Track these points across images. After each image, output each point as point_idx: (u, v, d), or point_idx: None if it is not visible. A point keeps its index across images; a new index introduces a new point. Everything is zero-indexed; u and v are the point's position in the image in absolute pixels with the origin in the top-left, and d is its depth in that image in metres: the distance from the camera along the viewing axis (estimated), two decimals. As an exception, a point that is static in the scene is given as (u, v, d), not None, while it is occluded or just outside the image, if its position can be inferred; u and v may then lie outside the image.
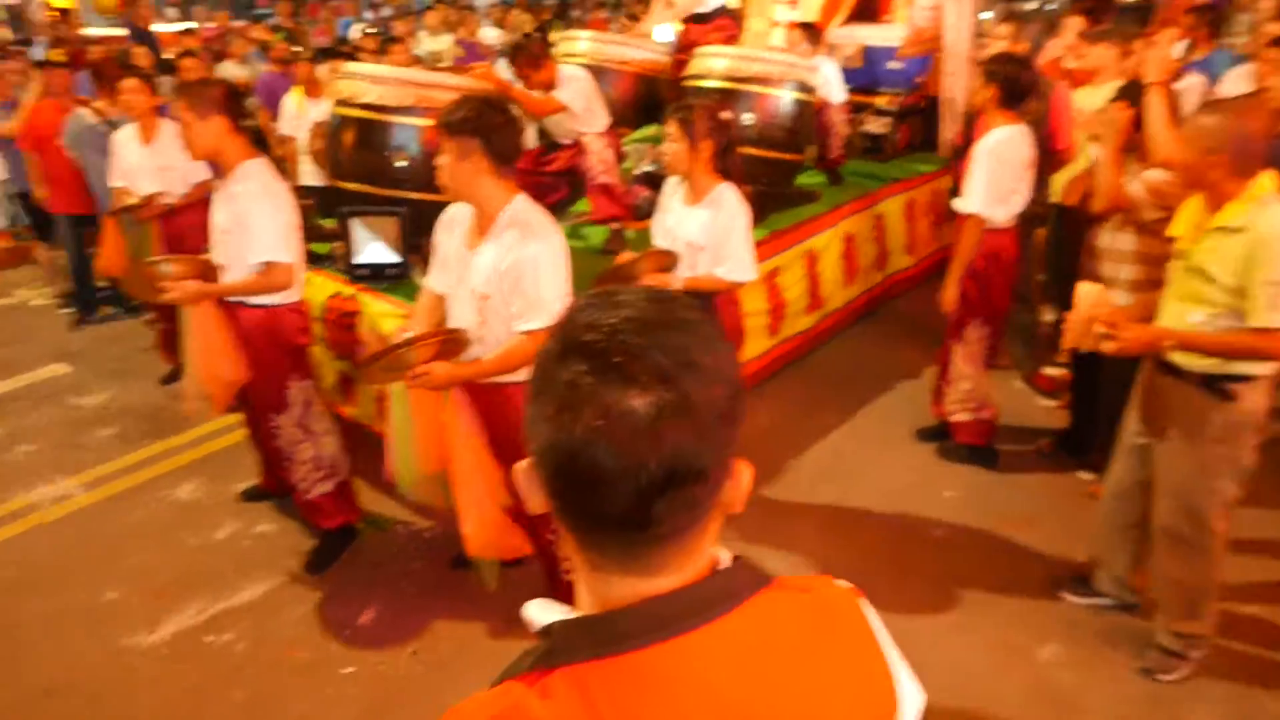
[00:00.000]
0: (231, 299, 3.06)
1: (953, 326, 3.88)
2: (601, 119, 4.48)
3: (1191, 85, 4.73)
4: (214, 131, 2.87)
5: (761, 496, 3.80)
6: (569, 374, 0.70)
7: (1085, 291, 2.80)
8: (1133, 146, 3.37)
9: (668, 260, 3.14)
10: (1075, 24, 4.57)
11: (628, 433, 0.68)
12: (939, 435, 4.20)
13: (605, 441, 0.68)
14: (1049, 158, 4.18)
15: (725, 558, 0.80)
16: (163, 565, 3.45)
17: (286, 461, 3.29)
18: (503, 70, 4.83)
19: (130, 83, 4.59)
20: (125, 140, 4.59)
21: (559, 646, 0.74)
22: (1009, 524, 3.61)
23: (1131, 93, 3.39)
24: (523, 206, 2.51)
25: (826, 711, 0.79)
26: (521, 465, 0.79)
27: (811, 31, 5.17)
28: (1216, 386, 2.53)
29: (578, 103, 4.30)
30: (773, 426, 4.40)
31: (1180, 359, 2.59)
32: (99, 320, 5.98)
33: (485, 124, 2.39)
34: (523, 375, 2.56)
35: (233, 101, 2.96)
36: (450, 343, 2.55)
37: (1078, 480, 3.84)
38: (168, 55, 7.95)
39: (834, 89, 5.23)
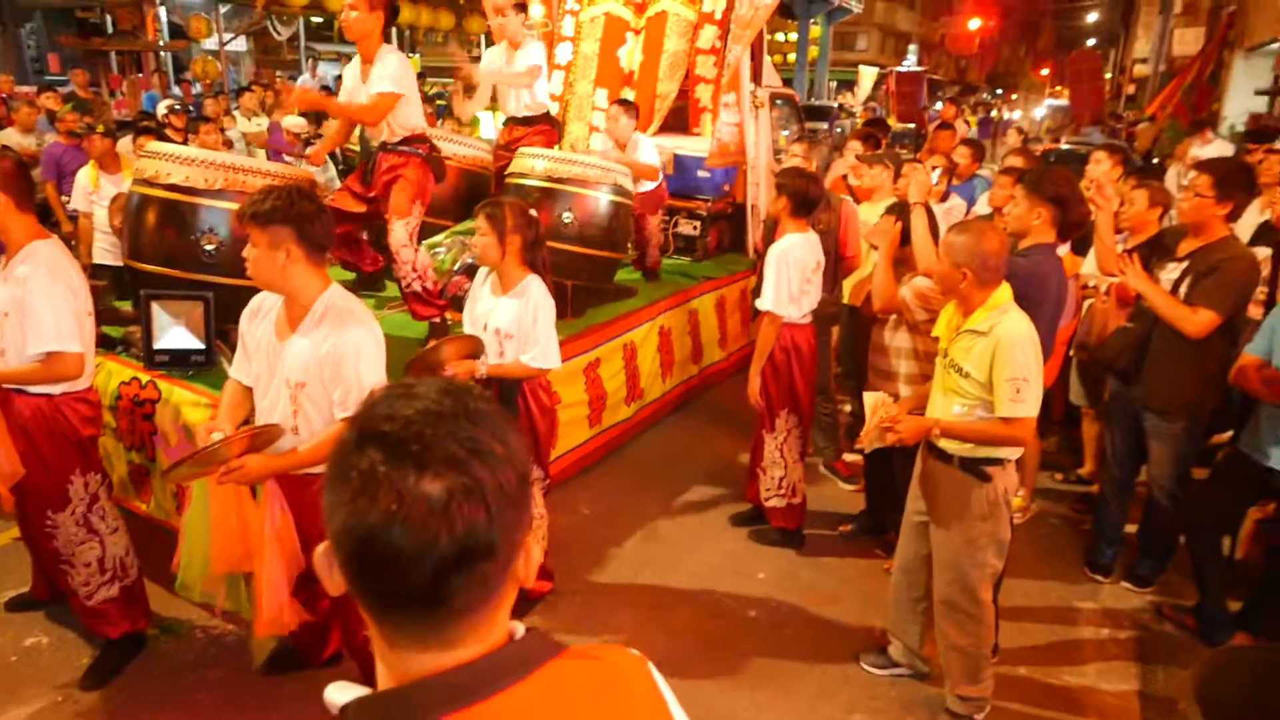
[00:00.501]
0: (9, 386, 2.80)
1: (763, 417, 4.14)
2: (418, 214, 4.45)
3: (955, 206, 5.47)
4: (-1, 211, 2.67)
5: (584, 582, 3.84)
6: (366, 462, 0.75)
7: (871, 400, 3.15)
8: (902, 258, 3.85)
9: (473, 346, 3.21)
10: (855, 147, 5.18)
11: (422, 515, 0.73)
12: (752, 520, 4.44)
13: (400, 524, 0.73)
14: (840, 263, 4.66)
15: (519, 629, 0.86)
16: (-97, 688, 2.99)
17: (64, 565, 2.98)
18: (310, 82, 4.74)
19: None
20: None
21: None
22: (815, 602, 3.84)
23: (900, 210, 3.89)
24: (339, 295, 2.51)
25: None
26: (320, 549, 0.82)
27: (631, 108, 5.45)
28: (974, 469, 2.89)
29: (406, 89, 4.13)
30: (594, 514, 4.48)
31: (945, 445, 2.94)
32: None
33: (297, 213, 2.38)
34: (321, 465, 2.54)
35: (20, 176, 2.76)
36: (262, 436, 2.47)
37: (874, 556, 4.17)
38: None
39: (653, 157, 5.53)
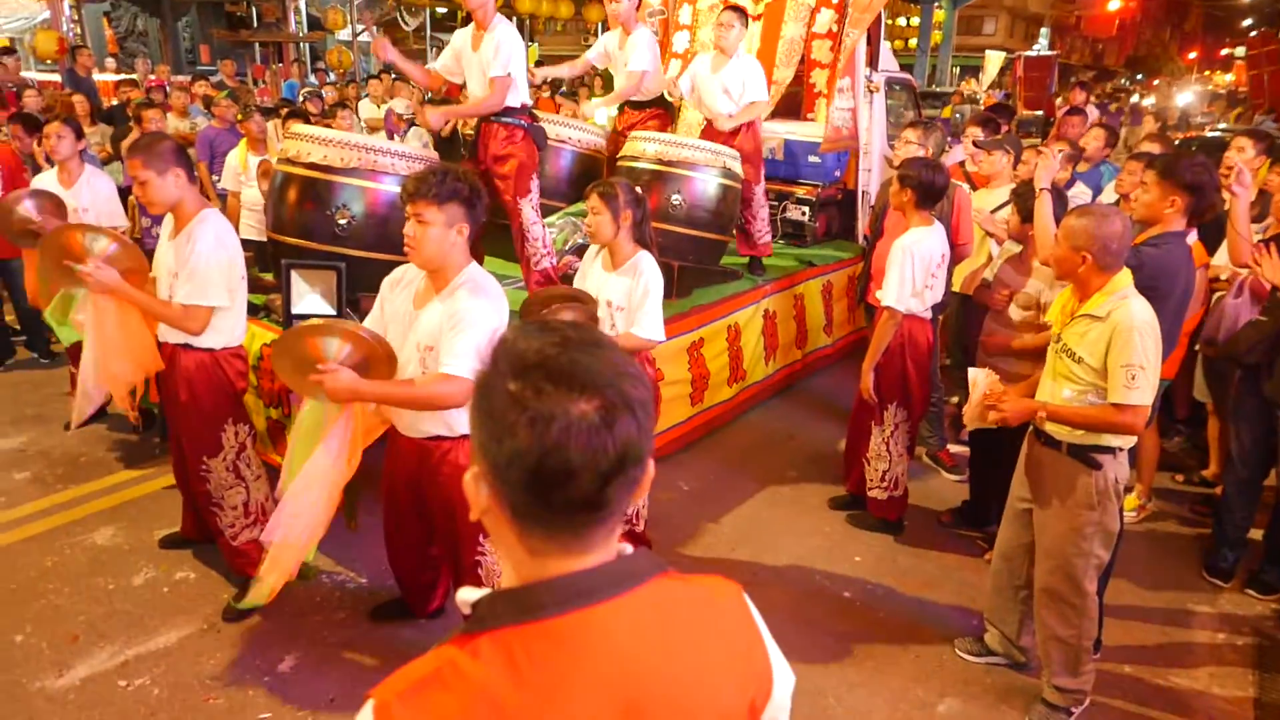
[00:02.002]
0: (177, 340, 3.12)
1: (872, 410, 4.10)
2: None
3: (1079, 193, 5.28)
4: (172, 184, 2.98)
5: (679, 556, 3.95)
6: (529, 387, 0.84)
7: (976, 377, 3.12)
8: (1021, 237, 3.78)
9: (583, 297, 3.35)
10: (974, 133, 5.07)
11: (590, 431, 0.83)
12: (850, 505, 4.44)
13: (575, 439, 0.82)
14: (951, 251, 4.58)
15: (627, 548, 0.95)
16: (76, 609, 3.38)
17: (214, 506, 3.31)
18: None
19: (54, 127, 4.64)
20: (46, 183, 4.60)
21: (485, 614, 0.88)
22: (912, 587, 3.83)
23: (1024, 194, 3.80)
24: (479, 271, 2.66)
25: (712, 678, 0.94)
26: (469, 474, 0.91)
27: (743, 17, 5.30)
28: (1084, 456, 2.83)
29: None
30: (693, 491, 4.58)
31: (1053, 430, 2.89)
32: (15, 366, 5.85)
33: (470, 193, 2.52)
34: (440, 428, 2.71)
35: (184, 153, 3.08)
36: (377, 358, 2.61)
37: (976, 548, 4.12)
38: (107, 104, 7.94)
39: (757, 80, 5.28)
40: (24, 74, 10.01)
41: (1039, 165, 3.74)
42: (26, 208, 3.91)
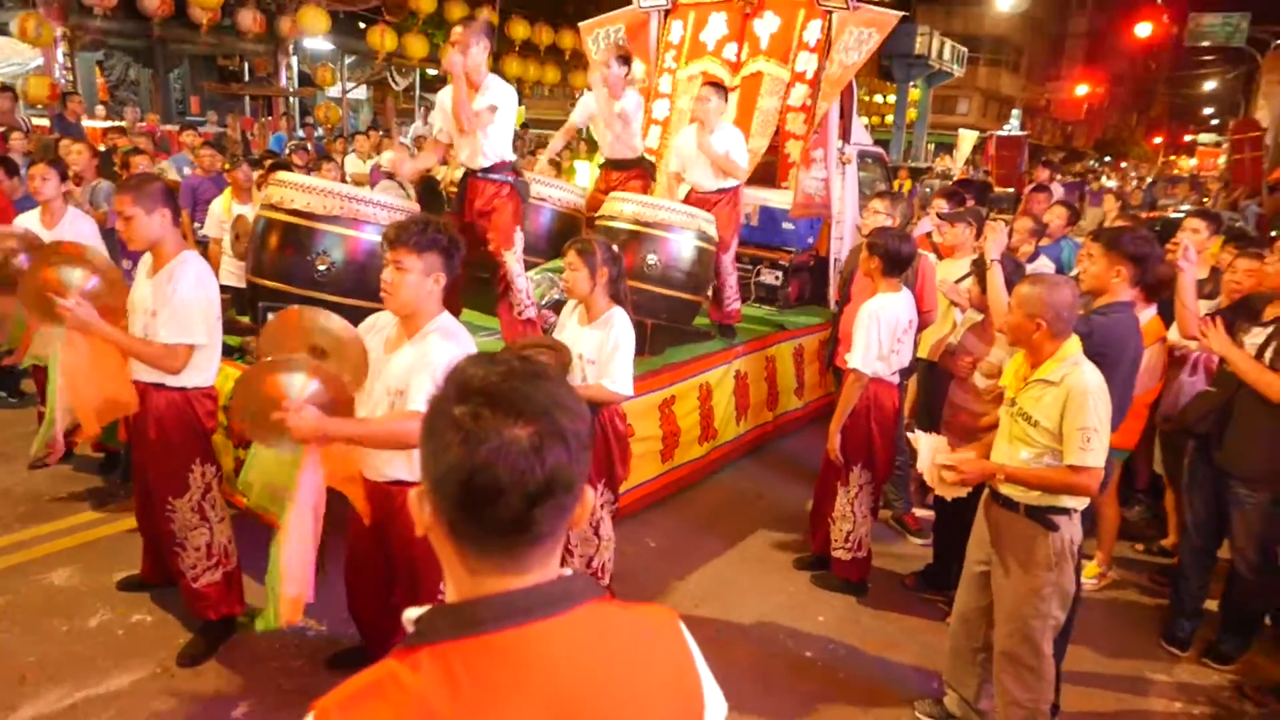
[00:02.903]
0: (149, 379, 3.14)
1: (838, 471, 4.16)
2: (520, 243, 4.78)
3: (1042, 265, 5.46)
4: (157, 224, 3.04)
5: (645, 611, 3.93)
6: (468, 410, 0.90)
7: (927, 442, 3.20)
8: (980, 307, 3.90)
9: (558, 345, 3.42)
10: (939, 205, 5.26)
11: (519, 454, 0.89)
12: (815, 565, 4.47)
13: (503, 461, 0.88)
14: (916, 318, 4.70)
15: (567, 571, 1.00)
16: (28, 649, 3.32)
17: (177, 547, 3.29)
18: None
19: (39, 168, 4.71)
20: (28, 223, 4.65)
21: (426, 629, 0.92)
22: (874, 647, 3.85)
23: (978, 265, 3.95)
24: (449, 319, 2.72)
25: (645, 701, 0.97)
26: (413, 492, 0.98)
27: (721, 91, 5.47)
28: (1041, 517, 2.91)
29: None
30: (660, 548, 4.59)
31: (1011, 492, 2.97)
32: (-18, 404, 5.81)
33: (448, 243, 2.60)
34: (402, 472, 2.72)
35: (173, 196, 3.16)
36: (341, 400, 2.62)
37: (938, 610, 4.14)
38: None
39: (737, 147, 5.42)
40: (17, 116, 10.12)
41: (988, 238, 3.90)
42: (20, 260, 3.92)
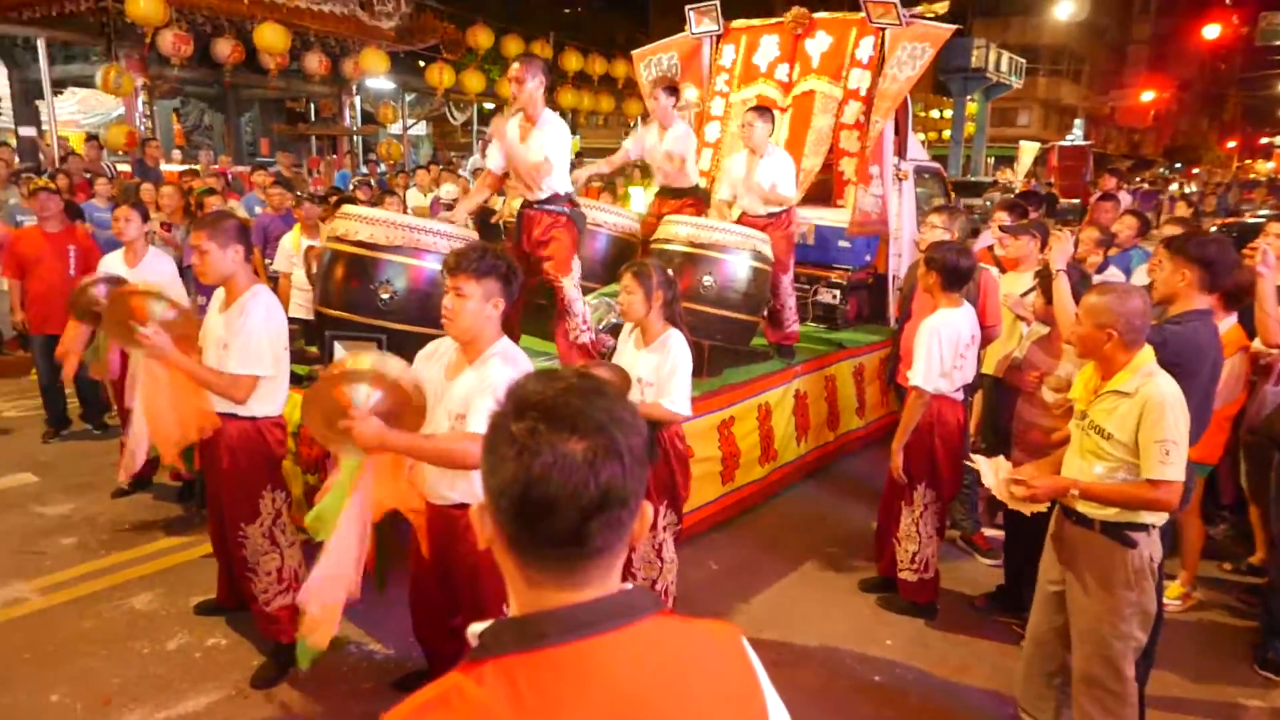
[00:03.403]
0: (222, 409, 3.26)
1: (903, 490, 4.08)
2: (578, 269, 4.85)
3: (1111, 275, 5.31)
4: (231, 260, 3.18)
5: (708, 634, 3.90)
6: (526, 426, 0.92)
7: (984, 464, 3.12)
8: (1045, 318, 3.81)
9: (616, 367, 3.45)
10: (1000, 218, 5.16)
11: (574, 468, 0.90)
12: (881, 587, 4.38)
13: (557, 475, 0.90)
14: (979, 333, 4.60)
15: (628, 585, 1.00)
16: (111, 671, 3.44)
17: (249, 572, 3.39)
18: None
19: (122, 210, 4.96)
20: (113, 262, 4.90)
21: (490, 643, 0.93)
22: (944, 672, 3.74)
23: (1043, 276, 3.85)
24: (509, 344, 2.77)
25: (707, 714, 0.96)
26: (475, 506, 1.00)
27: (766, 114, 5.45)
28: (1118, 534, 2.80)
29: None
30: (722, 570, 4.56)
31: (1086, 508, 2.86)
32: (70, 436, 6.09)
33: (507, 270, 2.65)
34: (464, 496, 2.76)
35: (247, 233, 3.30)
36: (407, 409, 2.67)
37: (1011, 633, 4.01)
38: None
39: (786, 174, 5.40)
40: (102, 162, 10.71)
41: (1053, 248, 3.81)
42: (97, 292, 4.14)
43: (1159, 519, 2.81)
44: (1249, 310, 3.98)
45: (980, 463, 3.14)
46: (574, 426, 0.92)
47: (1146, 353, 2.79)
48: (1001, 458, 3.14)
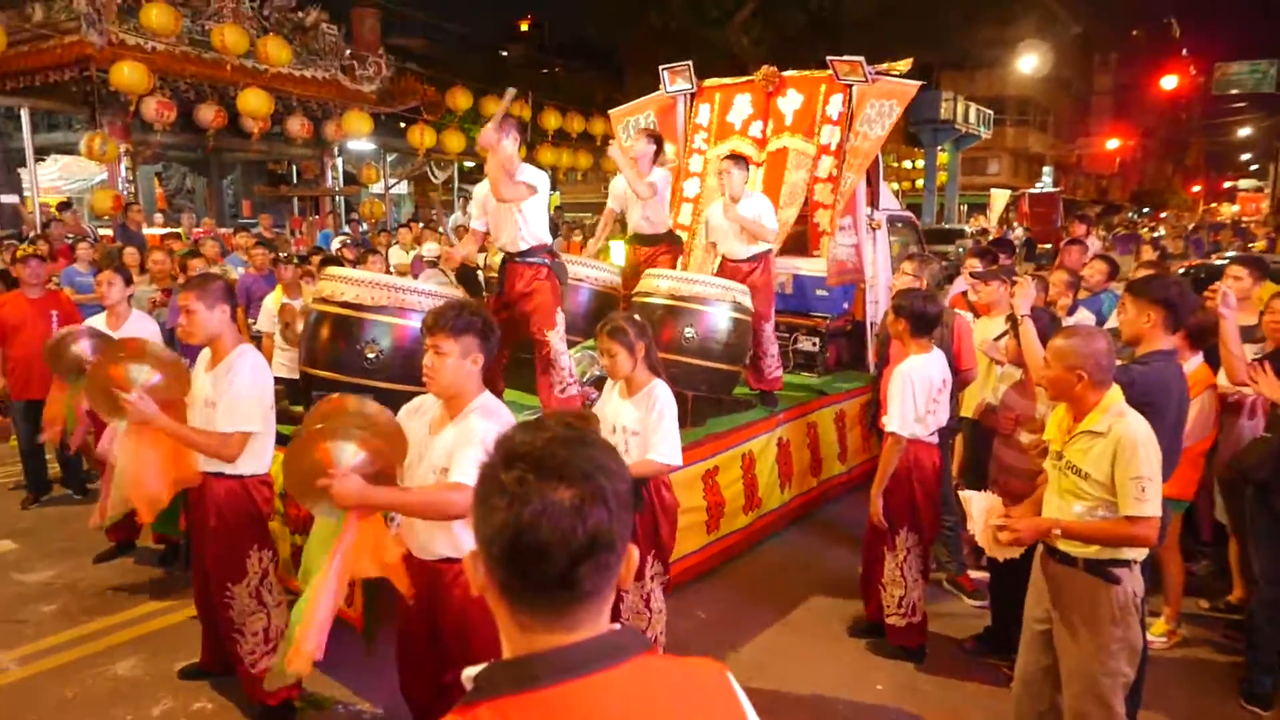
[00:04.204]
0: (208, 468, 3.27)
1: (884, 535, 4.11)
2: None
3: (1082, 319, 5.44)
4: (217, 319, 3.23)
5: (698, 685, 3.88)
6: (515, 475, 0.97)
7: (979, 501, 3.17)
8: (1018, 363, 3.90)
9: (589, 415, 3.50)
10: (972, 264, 5.30)
11: (562, 515, 0.95)
12: (869, 632, 4.38)
13: (546, 522, 0.95)
14: (955, 377, 4.69)
15: (616, 626, 1.04)
16: (94, 740, 3.39)
17: (235, 633, 3.36)
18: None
19: (105, 275, 5.04)
20: (95, 325, 4.91)
21: (484, 685, 0.97)
22: (937, 716, 3.74)
23: (1011, 322, 3.96)
24: (490, 398, 2.80)
25: None
26: (469, 554, 1.04)
27: (742, 163, 5.59)
28: (1102, 571, 2.85)
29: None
30: (710, 619, 4.55)
31: (1068, 547, 2.91)
32: (50, 501, 6.03)
33: (484, 326, 2.70)
34: (450, 550, 2.77)
35: (232, 294, 3.35)
36: (386, 472, 2.69)
37: (1001, 675, 4.02)
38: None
39: (766, 213, 5.54)
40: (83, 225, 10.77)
41: (1016, 293, 3.92)
42: (81, 347, 4.19)
43: (1140, 554, 2.86)
44: (1214, 349, 4.10)
45: (972, 500, 3.18)
46: (561, 475, 0.96)
47: (1115, 392, 2.87)
48: (994, 496, 3.19)
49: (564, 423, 1.06)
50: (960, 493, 3.25)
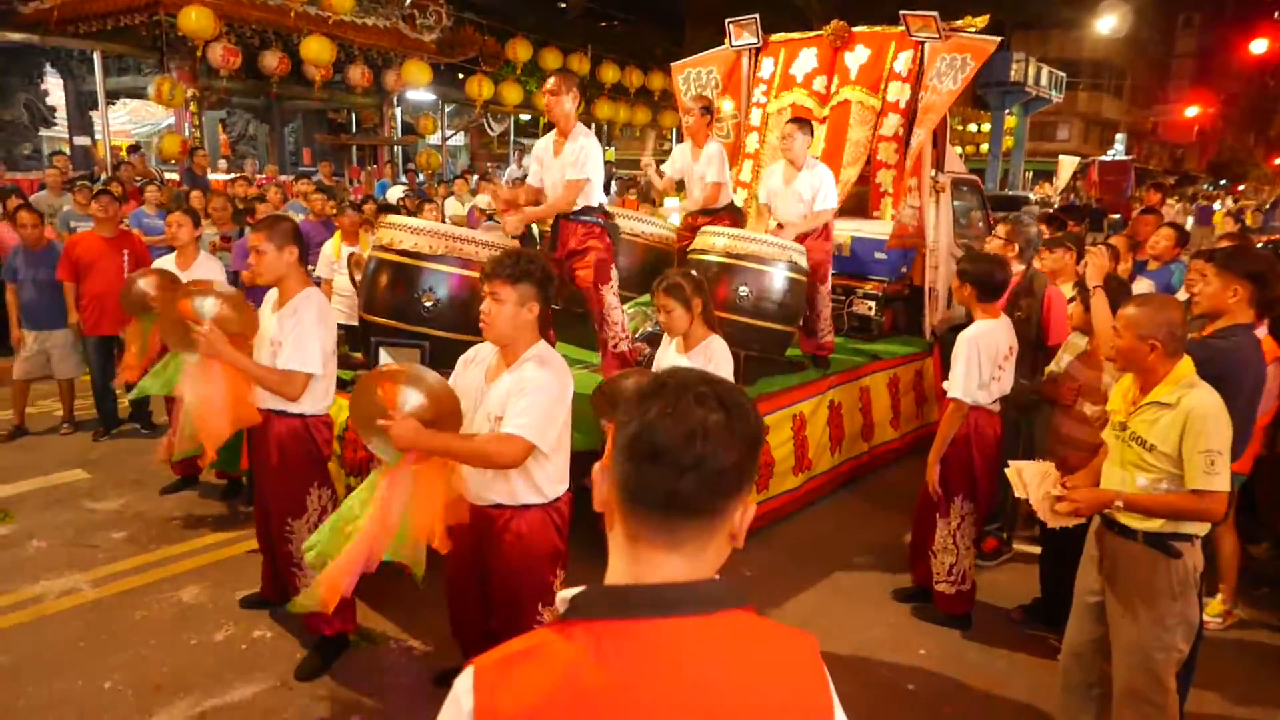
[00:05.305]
0: (272, 406, 3.36)
1: (938, 502, 4.07)
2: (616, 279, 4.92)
3: (1141, 287, 5.26)
4: (286, 261, 3.30)
5: (741, 640, 3.92)
6: (658, 392, 1.02)
7: (1030, 470, 3.10)
8: (1086, 331, 3.79)
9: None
10: (1041, 231, 5.14)
11: (685, 423, 0.98)
12: (915, 597, 4.36)
13: (669, 424, 0.98)
14: (1042, 351, 4.52)
15: (717, 577, 1.04)
16: (161, 661, 3.55)
17: (295, 567, 3.48)
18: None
19: (175, 216, 5.18)
20: (164, 266, 5.07)
21: (583, 605, 0.99)
22: (980, 682, 3.73)
23: (1080, 292, 3.85)
24: (546, 348, 2.82)
25: (773, 714, 0.99)
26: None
27: (806, 127, 5.50)
28: (1163, 545, 2.79)
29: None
30: (755, 577, 4.57)
31: (1128, 520, 2.85)
32: (121, 435, 6.29)
33: (542, 274, 2.72)
34: (502, 496, 2.81)
35: (300, 238, 3.40)
36: (445, 418, 2.75)
37: (1048, 646, 3.98)
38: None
39: (828, 187, 5.43)
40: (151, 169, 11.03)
41: (1089, 263, 3.80)
42: (145, 284, 4.34)
43: (1202, 529, 2.79)
44: (1278, 320, 3.92)
45: (1025, 468, 3.12)
46: (698, 396, 1.01)
47: (1186, 363, 2.78)
48: (1048, 464, 3.13)
49: (705, 372, 1.09)
50: (1011, 463, 3.19)
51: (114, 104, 15.47)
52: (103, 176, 10.59)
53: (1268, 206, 20.33)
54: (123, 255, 6.07)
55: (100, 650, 3.62)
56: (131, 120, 17.67)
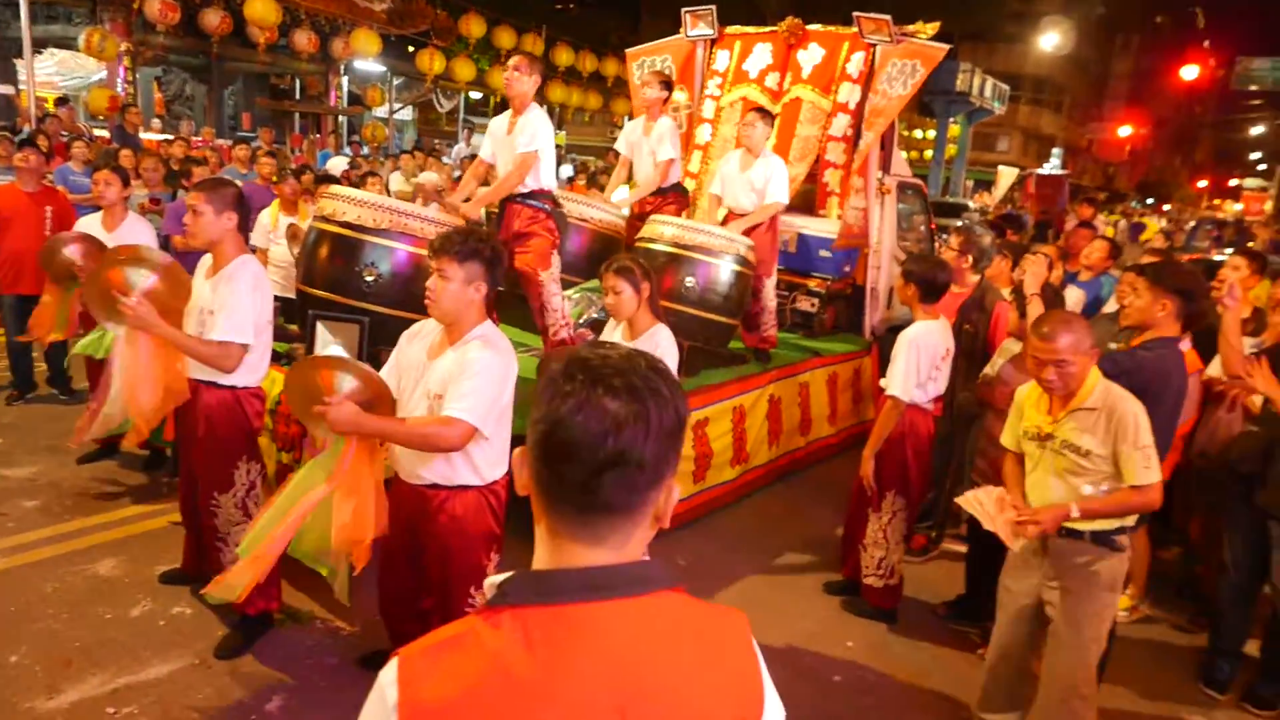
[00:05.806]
0: (201, 376, 3.24)
1: (871, 497, 4.14)
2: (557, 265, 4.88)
3: (1071, 295, 5.44)
4: (223, 226, 3.16)
5: (673, 628, 3.94)
6: (571, 379, 0.97)
7: (989, 496, 3.16)
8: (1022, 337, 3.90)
9: None
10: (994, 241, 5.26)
11: (598, 418, 0.94)
12: (845, 590, 4.45)
13: (581, 420, 0.94)
14: (988, 360, 4.62)
15: (647, 559, 1.04)
16: (72, 635, 3.41)
17: (219, 542, 3.37)
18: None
19: (103, 174, 4.94)
20: (90, 226, 4.85)
21: (509, 591, 0.97)
22: (904, 674, 3.82)
23: (1018, 299, 3.95)
24: (492, 328, 2.79)
25: (705, 695, 1.00)
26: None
27: (767, 117, 5.58)
28: (1108, 541, 2.91)
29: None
30: (689, 568, 4.60)
31: (1073, 522, 2.90)
32: (37, 400, 6.00)
33: (491, 253, 2.68)
34: (438, 477, 2.77)
35: (243, 204, 3.27)
36: (382, 401, 2.73)
37: (969, 641, 4.10)
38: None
39: (778, 180, 5.46)
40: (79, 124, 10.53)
41: (1027, 271, 3.91)
42: (71, 251, 4.14)
43: (1133, 521, 2.96)
44: (1201, 335, 4.10)
45: (983, 499, 3.17)
46: (611, 388, 0.96)
47: (1095, 368, 2.91)
48: (993, 487, 3.21)
49: (629, 348, 1.05)
50: (968, 494, 3.26)
51: (40, 53, 14.71)
52: (26, 129, 10.09)
53: (1190, 226, 21.24)
54: (45, 211, 5.78)
55: (7, 623, 3.46)
56: (60, 71, 16.81)
